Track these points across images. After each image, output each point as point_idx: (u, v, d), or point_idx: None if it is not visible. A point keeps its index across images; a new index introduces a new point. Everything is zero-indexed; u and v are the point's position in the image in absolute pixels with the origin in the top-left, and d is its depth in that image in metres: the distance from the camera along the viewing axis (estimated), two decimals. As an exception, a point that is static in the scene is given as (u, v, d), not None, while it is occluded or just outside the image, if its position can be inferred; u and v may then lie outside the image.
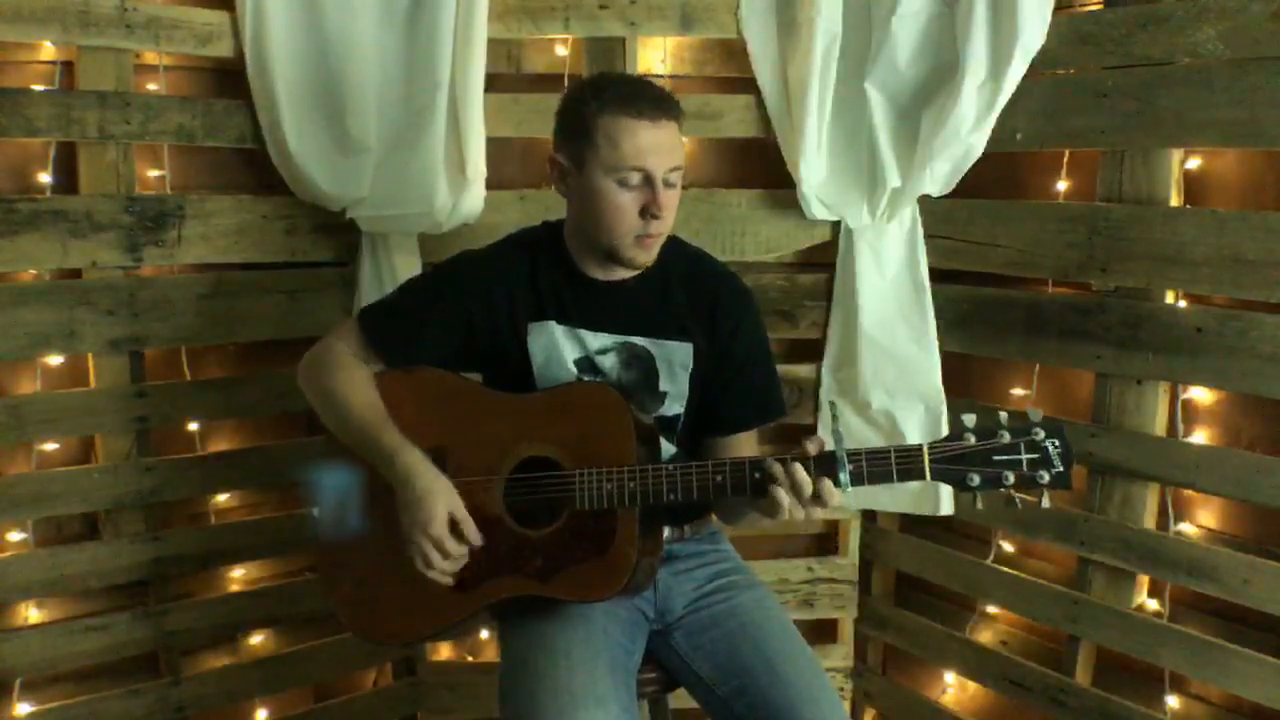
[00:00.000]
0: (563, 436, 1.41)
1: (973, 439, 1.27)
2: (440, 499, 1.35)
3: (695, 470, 1.34)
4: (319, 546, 1.50)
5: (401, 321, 1.51)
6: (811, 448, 1.30)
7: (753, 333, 1.57)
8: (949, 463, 1.27)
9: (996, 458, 1.26)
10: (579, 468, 1.38)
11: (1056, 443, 1.25)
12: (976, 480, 1.26)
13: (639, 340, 1.51)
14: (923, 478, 1.27)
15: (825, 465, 1.28)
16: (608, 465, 1.36)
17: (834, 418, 1.34)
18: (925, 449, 1.27)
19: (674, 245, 1.57)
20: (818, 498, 1.28)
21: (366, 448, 1.41)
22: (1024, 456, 1.25)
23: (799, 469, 1.28)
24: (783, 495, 1.28)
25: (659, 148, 1.38)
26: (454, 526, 1.36)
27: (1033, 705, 2.05)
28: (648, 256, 1.44)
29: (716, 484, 1.34)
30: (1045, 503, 1.26)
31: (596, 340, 1.51)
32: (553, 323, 1.50)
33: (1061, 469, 1.25)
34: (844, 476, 1.27)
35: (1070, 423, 1.94)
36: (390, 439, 1.39)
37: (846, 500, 1.31)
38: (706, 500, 1.41)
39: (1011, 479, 1.25)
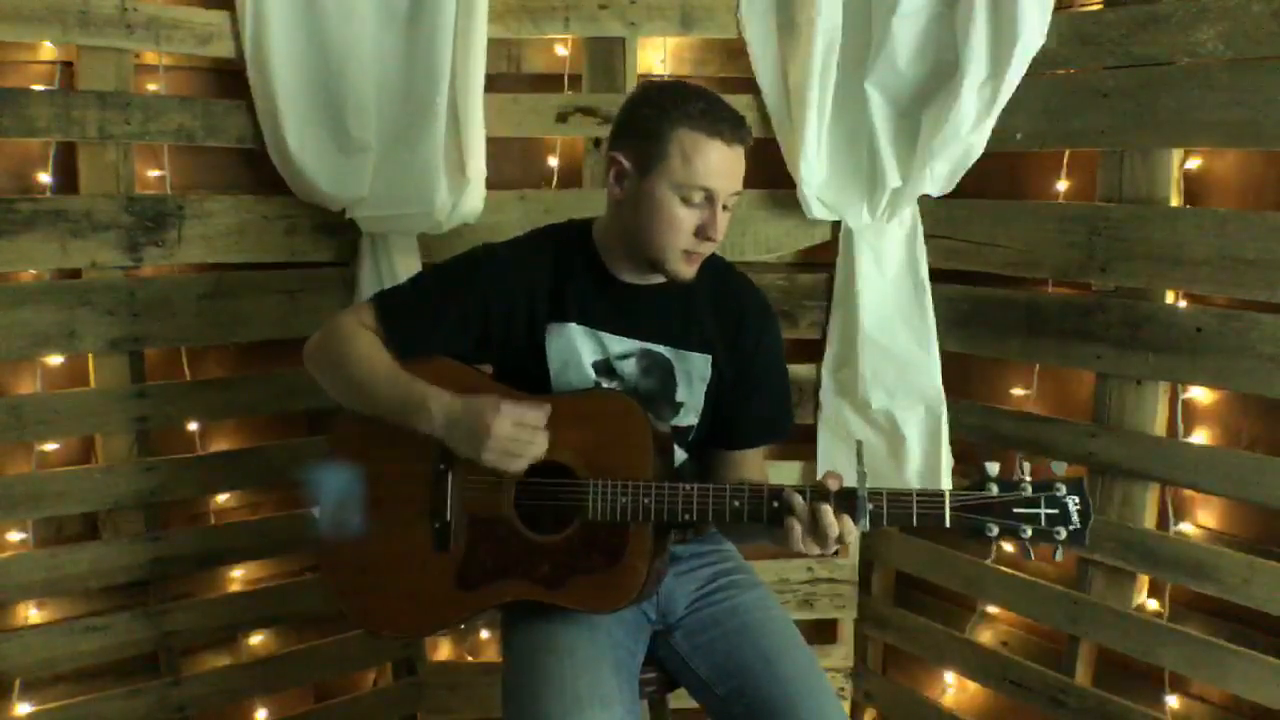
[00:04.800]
0: (578, 443, 1.39)
1: (995, 489, 1.27)
2: (485, 405, 1.32)
3: (713, 493, 1.34)
4: (321, 544, 1.49)
5: (418, 313, 1.48)
6: (832, 483, 1.29)
7: (772, 352, 1.56)
8: (970, 512, 1.27)
9: (1017, 510, 1.26)
10: (593, 477, 1.37)
11: (1077, 500, 1.25)
12: (995, 531, 1.26)
13: (660, 349, 1.50)
14: (943, 524, 1.27)
15: (845, 503, 1.28)
16: (623, 476, 1.36)
17: (859, 458, 1.31)
18: (947, 496, 1.27)
19: None
20: (836, 535, 1.28)
21: (392, 402, 1.39)
22: (1043, 511, 1.25)
23: (820, 506, 1.27)
24: (799, 528, 1.28)
25: (729, 171, 1.37)
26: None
27: (1033, 705, 2.05)
28: (690, 272, 1.43)
29: (734, 509, 1.34)
30: (1059, 556, 1.26)
31: (618, 345, 1.49)
32: (573, 324, 1.48)
33: (1079, 526, 1.25)
34: (863, 519, 1.27)
35: (1070, 423, 1.94)
36: (419, 387, 1.37)
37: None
38: (720, 523, 1.41)
39: (1029, 532, 1.26)
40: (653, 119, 1.38)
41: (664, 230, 1.39)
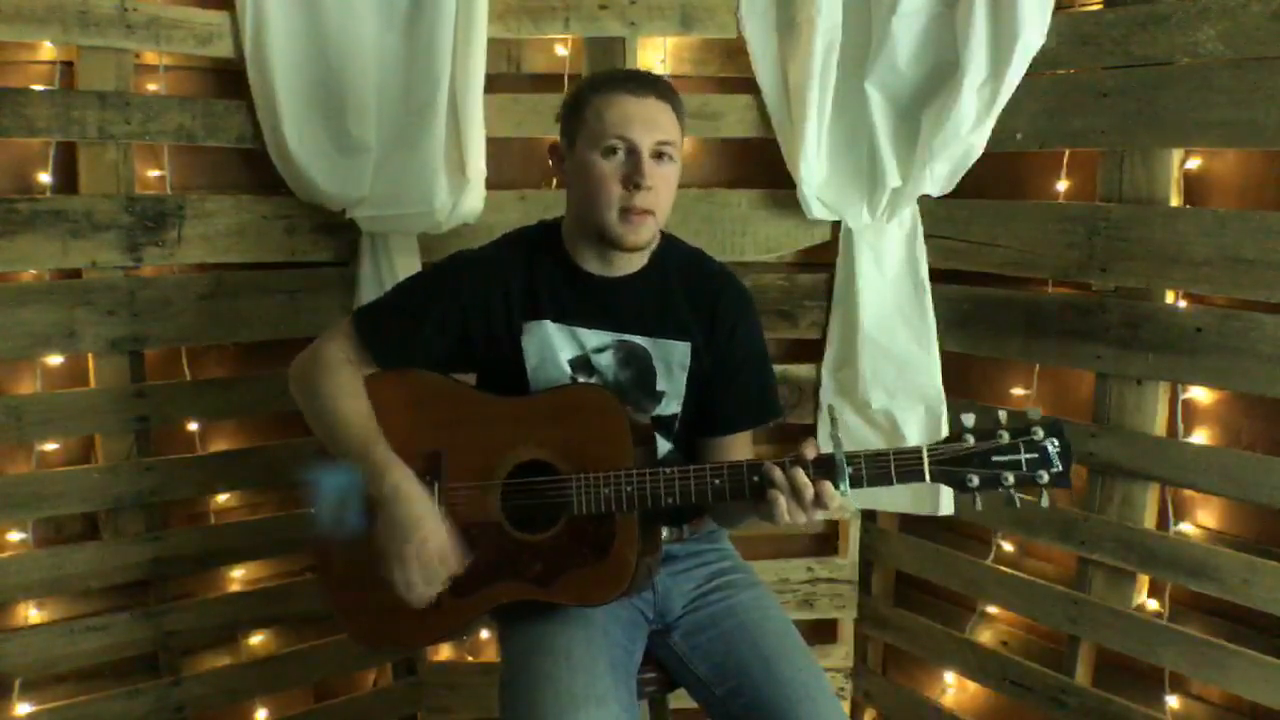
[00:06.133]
0: (559, 440, 1.40)
1: (972, 440, 1.26)
2: (428, 527, 1.34)
3: (693, 474, 1.34)
4: (318, 550, 1.50)
5: (396, 324, 1.50)
6: (809, 451, 1.29)
7: (751, 334, 1.56)
8: (948, 464, 1.26)
9: (996, 458, 1.25)
10: (575, 471, 1.37)
11: (1055, 442, 1.24)
12: (976, 481, 1.25)
13: (637, 339, 1.51)
14: (922, 479, 1.27)
15: (824, 469, 1.28)
16: (604, 468, 1.36)
17: (832, 421, 1.33)
18: (925, 451, 1.27)
19: (671, 243, 1.57)
20: (817, 501, 1.27)
21: (354, 460, 1.40)
22: (1023, 456, 1.25)
23: (798, 473, 1.28)
24: (781, 499, 1.28)
25: (642, 119, 1.39)
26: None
27: (1033, 705, 2.05)
28: (636, 236, 1.42)
29: (715, 488, 1.33)
30: (1045, 502, 1.25)
31: (594, 338, 1.50)
32: (548, 322, 1.49)
33: (1060, 468, 1.24)
34: (843, 481, 1.27)
35: (1070, 423, 1.94)
36: (380, 455, 1.38)
37: (847, 501, 1.30)
38: (705, 504, 1.41)
39: (1011, 479, 1.25)
40: (574, 100, 1.46)
41: (594, 190, 1.40)
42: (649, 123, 1.40)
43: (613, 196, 1.40)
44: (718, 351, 1.53)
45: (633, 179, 1.38)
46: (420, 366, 1.49)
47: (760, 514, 1.34)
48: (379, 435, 1.41)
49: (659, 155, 1.41)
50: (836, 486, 1.27)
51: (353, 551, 1.43)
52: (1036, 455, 1.24)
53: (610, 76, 1.48)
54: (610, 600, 1.38)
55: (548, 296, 1.49)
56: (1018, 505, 1.26)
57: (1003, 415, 1.26)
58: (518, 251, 1.52)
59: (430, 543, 1.34)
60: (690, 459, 1.59)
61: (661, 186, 1.41)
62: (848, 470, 1.27)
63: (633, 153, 1.39)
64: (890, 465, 1.27)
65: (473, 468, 1.42)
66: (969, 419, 1.27)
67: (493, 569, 1.40)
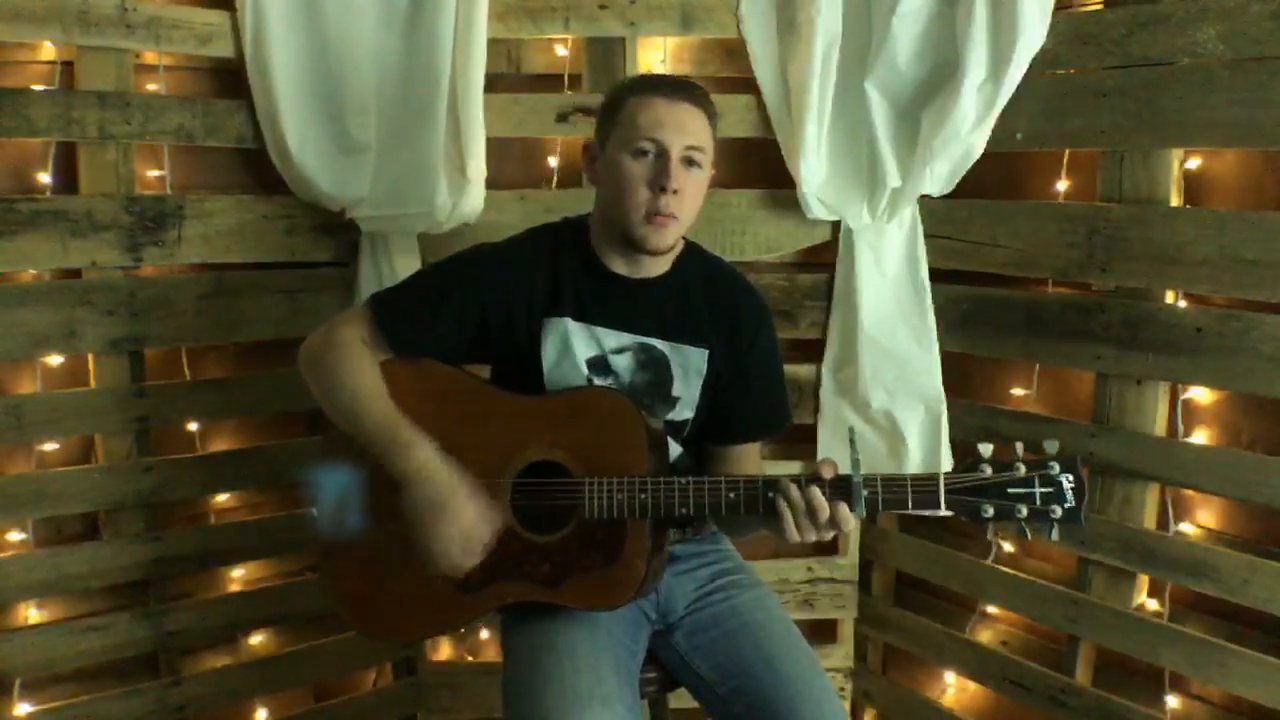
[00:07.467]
0: (572, 442, 1.40)
1: (989, 470, 1.27)
2: (460, 500, 1.33)
3: (708, 486, 1.34)
4: (319, 546, 1.49)
5: (414, 311, 1.48)
6: (826, 470, 1.29)
7: (768, 347, 1.56)
8: (964, 493, 1.27)
9: (1011, 490, 1.26)
10: (588, 475, 1.37)
11: (1071, 478, 1.25)
12: (990, 512, 1.26)
13: (656, 343, 1.51)
14: (938, 507, 1.27)
15: (840, 490, 1.28)
16: (618, 474, 1.36)
17: (852, 444, 1.32)
18: (941, 479, 1.27)
19: (693, 250, 1.57)
20: (832, 522, 1.27)
21: (376, 440, 1.38)
22: (1038, 490, 1.25)
23: (815, 493, 1.27)
24: (795, 517, 1.28)
25: (673, 123, 1.39)
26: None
27: (1033, 705, 2.05)
28: (660, 239, 1.42)
29: (729, 501, 1.33)
30: (1055, 535, 1.26)
31: (613, 339, 1.50)
32: (569, 319, 1.48)
33: (1074, 504, 1.25)
34: (860, 506, 1.27)
35: (1070, 423, 1.94)
36: (405, 433, 1.37)
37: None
38: (716, 516, 1.41)
39: (1024, 512, 1.25)
40: (610, 101, 1.47)
41: (622, 190, 1.40)
42: (680, 127, 1.40)
43: (639, 198, 1.39)
44: (735, 361, 1.53)
45: (659, 181, 1.38)
46: (434, 355, 1.48)
47: (771, 529, 1.34)
48: (401, 416, 1.40)
49: (688, 161, 1.41)
50: (852, 509, 1.27)
51: (354, 543, 1.43)
52: (1051, 490, 1.25)
53: (647, 79, 1.48)
54: (618, 606, 1.38)
55: (570, 294, 1.49)
56: (1029, 538, 1.27)
57: (1019, 447, 1.27)
58: (543, 247, 1.51)
59: (464, 514, 1.33)
60: (699, 464, 1.59)
61: (688, 191, 1.41)
62: (864, 494, 1.27)
63: (662, 156, 1.39)
64: (907, 491, 1.28)
65: (483, 465, 1.41)
66: (986, 448, 1.27)
67: (500, 568, 1.40)
